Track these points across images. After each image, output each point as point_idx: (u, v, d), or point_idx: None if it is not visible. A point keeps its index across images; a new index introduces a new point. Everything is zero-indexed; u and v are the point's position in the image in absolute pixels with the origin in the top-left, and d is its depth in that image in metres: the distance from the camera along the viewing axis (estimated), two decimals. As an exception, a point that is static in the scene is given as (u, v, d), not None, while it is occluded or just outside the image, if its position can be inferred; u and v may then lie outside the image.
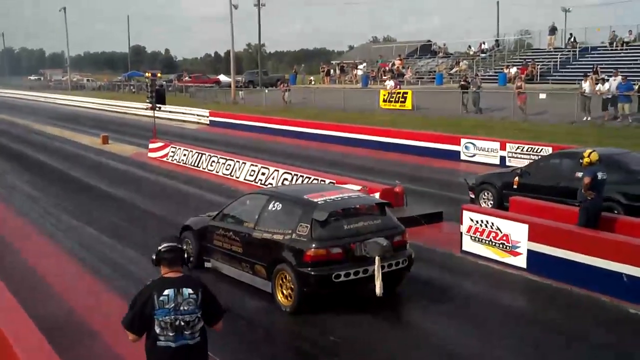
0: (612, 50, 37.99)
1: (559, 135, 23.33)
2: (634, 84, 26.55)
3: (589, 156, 10.66)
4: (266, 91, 47.89)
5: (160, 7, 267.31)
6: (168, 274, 4.96)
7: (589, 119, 26.47)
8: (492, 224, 10.98)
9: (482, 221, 11.15)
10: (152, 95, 25.16)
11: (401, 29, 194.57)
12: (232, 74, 52.43)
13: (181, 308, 4.83)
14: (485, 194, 14.68)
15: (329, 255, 8.56)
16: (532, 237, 10.34)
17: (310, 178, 16.32)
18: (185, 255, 5.16)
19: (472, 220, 11.33)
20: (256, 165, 18.99)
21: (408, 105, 34.28)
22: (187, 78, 66.16)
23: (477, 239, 11.23)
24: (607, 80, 27.20)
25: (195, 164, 21.81)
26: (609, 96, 26.28)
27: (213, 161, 21.03)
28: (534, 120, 27.74)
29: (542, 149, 19.32)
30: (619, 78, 26.35)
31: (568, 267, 9.71)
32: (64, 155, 26.47)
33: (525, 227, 10.48)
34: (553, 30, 43.04)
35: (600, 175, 10.63)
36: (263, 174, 18.35)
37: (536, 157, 17.60)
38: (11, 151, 28.04)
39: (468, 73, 39.28)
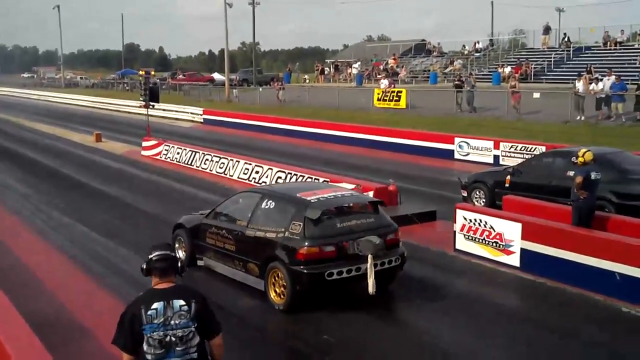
0: (605, 50, 38.10)
1: (552, 134, 23.38)
2: (628, 84, 26.64)
3: (583, 156, 10.65)
4: (260, 90, 47.84)
5: (154, 6, 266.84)
6: (158, 285, 4.52)
7: (582, 118, 26.54)
8: (486, 222, 10.98)
9: (475, 220, 11.15)
10: (145, 93, 25.07)
11: (396, 28, 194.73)
12: (226, 72, 52.36)
13: (171, 322, 4.37)
14: (478, 192, 14.70)
15: (322, 254, 8.55)
16: (525, 236, 10.35)
17: (304, 176, 16.30)
18: (179, 264, 4.69)
19: (465, 219, 11.33)
20: (250, 164, 18.95)
21: (402, 104, 34.29)
22: (181, 76, 66.04)
23: (470, 238, 11.23)
24: (601, 79, 27.28)
25: (189, 162, 21.76)
26: (603, 96, 26.35)
27: (207, 159, 20.98)
28: (527, 119, 27.79)
29: (535, 148, 19.35)
30: (613, 78, 26.43)
31: (561, 265, 9.72)
32: (56, 152, 26.38)
33: (519, 225, 10.48)
34: (547, 30, 43.14)
35: (593, 175, 10.63)
36: (257, 172, 18.32)
37: (529, 156, 17.62)
38: (3, 149, 27.90)
39: (462, 72, 39.35)
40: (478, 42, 47.32)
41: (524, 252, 10.35)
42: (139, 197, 16.98)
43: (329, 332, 8.15)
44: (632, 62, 34.39)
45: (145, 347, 4.37)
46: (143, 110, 26.85)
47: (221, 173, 19.84)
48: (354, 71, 47.30)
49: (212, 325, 4.57)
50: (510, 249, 10.55)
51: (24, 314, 6.76)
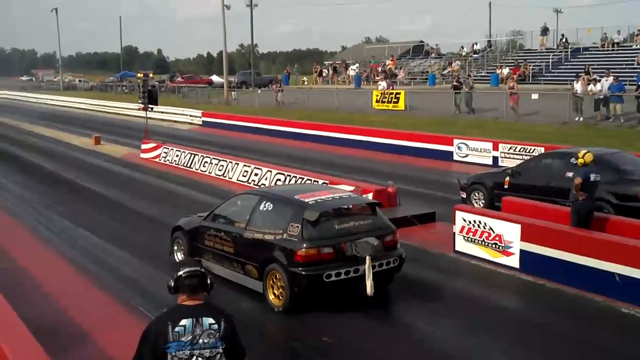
0: (603, 50, 38.15)
1: (551, 135, 23.40)
2: (626, 85, 26.66)
3: (583, 157, 10.65)
4: (259, 92, 47.82)
5: (152, 8, 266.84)
6: (186, 302, 4.26)
7: (581, 119, 26.55)
8: (485, 224, 10.99)
9: (474, 221, 11.15)
10: (144, 96, 25.06)
11: (394, 29, 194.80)
12: (224, 74, 52.38)
13: (200, 341, 4.11)
14: (477, 193, 14.71)
15: (320, 255, 8.58)
16: (524, 237, 10.35)
17: (303, 178, 16.29)
18: (208, 281, 4.40)
19: (464, 220, 11.34)
20: (249, 166, 18.95)
21: (401, 105, 34.31)
22: (179, 78, 66.01)
23: (470, 239, 11.23)
24: (599, 80, 27.30)
25: (188, 165, 21.75)
26: (601, 96, 26.36)
27: (206, 162, 20.98)
28: (526, 120, 27.81)
29: (534, 149, 19.35)
30: (611, 78, 26.45)
31: (560, 267, 9.72)
32: (55, 155, 26.37)
33: (518, 227, 10.49)
34: (545, 31, 43.22)
35: (593, 176, 10.63)
36: (256, 174, 18.32)
37: (528, 158, 17.64)
38: (2, 152, 27.87)
39: (460, 73, 39.35)
40: (476, 44, 47.37)
41: (523, 254, 10.36)
42: (138, 200, 16.98)
43: (328, 334, 8.14)
44: (630, 62, 34.45)
45: None
46: (142, 113, 26.85)
47: (220, 175, 19.83)
48: (352, 73, 47.33)
49: (238, 349, 4.38)
50: (510, 250, 10.56)
51: (23, 318, 6.75)
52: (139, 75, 27.19)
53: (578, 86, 27.16)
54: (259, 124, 33.65)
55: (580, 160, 10.68)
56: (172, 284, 4.32)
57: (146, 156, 24.40)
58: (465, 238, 11.31)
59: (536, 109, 28.58)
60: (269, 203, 9.48)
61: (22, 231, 13.93)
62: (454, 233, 11.54)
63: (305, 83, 53.90)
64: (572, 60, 38.32)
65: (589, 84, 27.37)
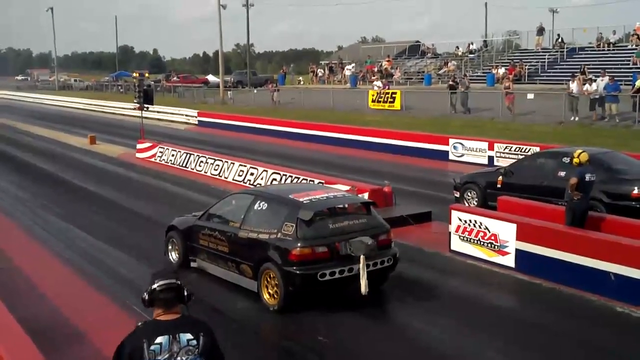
0: (599, 50, 38.22)
1: (546, 135, 23.45)
2: (621, 85, 26.72)
3: (578, 157, 10.67)
4: (255, 91, 47.81)
5: (148, 8, 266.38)
6: (162, 317, 4.00)
7: (576, 119, 26.61)
8: (481, 223, 10.99)
9: (470, 221, 11.16)
10: (140, 96, 25.01)
11: (390, 29, 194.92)
12: (220, 74, 52.30)
13: (178, 359, 3.89)
14: (470, 193, 14.75)
15: (315, 255, 8.59)
16: (520, 237, 10.36)
17: (299, 178, 16.28)
18: (186, 292, 4.11)
19: (460, 220, 11.34)
20: (245, 166, 18.93)
21: (397, 105, 34.32)
22: (175, 78, 65.93)
23: (465, 239, 11.24)
24: (595, 80, 27.36)
25: (184, 165, 21.72)
26: (597, 96, 26.42)
27: (201, 161, 20.96)
28: (522, 120, 27.85)
29: (530, 149, 19.38)
30: (607, 78, 26.49)
31: (556, 266, 9.73)
32: (51, 155, 26.30)
33: (514, 226, 10.49)
34: (541, 31, 43.25)
35: (588, 176, 10.65)
36: (252, 174, 18.30)
37: (522, 157, 17.67)
38: (-3, 152, 27.82)
39: (456, 73, 39.36)
40: (472, 43, 47.41)
41: (518, 253, 10.36)
42: (134, 200, 16.95)
43: (323, 333, 8.13)
44: (625, 62, 34.52)
45: None
46: (137, 113, 26.84)
47: (216, 175, 19.81)
48: (348, 73, 47.34)
49: None
50: (505, 249, 10.56)
51: (19, 318, 6.74)
52: (134, 74, 27.08)
53: (574, 86, 27.22)
54: (255, 124, 33.63)
55: (576, 160, 10.69)
56: (147, 297, 4.03)
57: (142, 156, 24.35)
58: (461, 237, 11.31)
59: (532, 108, 28.63)
60: (263, 202, 9.49)
61: (17, 231, 13.87)
62: (450, 232, 11.54)
63: (302, 83, 53.88)
64: (567, 60, 38.38)
65: (584, 84, 27.43)
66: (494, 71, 38.71)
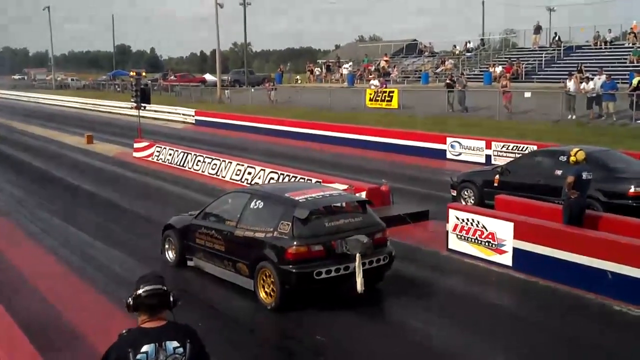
0: (596, 49, 38.26)
1: (544, 133, 23.45)
2: (618, 83, 26.74)
3: (575, 155, 10.67)
4: (252, 90, 47.80)
5: (145, 7, 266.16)
6: (147, 324, 3.89)
7: (573, 117, 26.63)
8: (478, 222, 10.99)
9: (468, 219, 11.15)
10: (137, 95, 24.96)
11: (387, 28, 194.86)
12: (217, 73, 52.25)
13: None
14: (467, 191, 14.75)
15: (310, 253, 8.60)
16: (517, 235, 10.35)
17: (296, 177, 16.26)
18: (172, 297, 3.99)
19: (458, 218, 11.34)
20: (242, 165, 18.90)
21: (394, 104, 34.32)
22: (172, 77, 65.91)
23: (463, 238, 11.23)
24: (592, 79, 27.38)
25: (181, 164, 21.69)
26: (594, 95, 26.44)
27: (199, 161, 20.93)
28: (519, 119, 27.86)
29: (527, 148, 19.39)
30: (604, 77, 26.53)
31: (553, 264, 9.73)
32: (48, 155, 26.24)
33: (511, 225, 10.49)
34: (538, 30, 43.29)
35: (585, 175, 10.65)
36: (249, 173, 18.28)
37: (518, 155, 17.67)
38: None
39: (454, 72, 39.42)
40: (469, 42, 47.45)
41: (516, 252, 10.36)
42: (131, 199, 16.90)
43: (321, 332, 8.12)
44: (622, 61, 34.57)
45: None
46: (134, 112, 26.72)
47: (213, 174, 19.78)
48: (345, 71, 47.31)
49: None
50: (503, 248, 10.56)
51: (15, 317, 6.72)
52: (131, 73, 27.04)
53: (571, 84, 27.24)
54: (252, 123, 33.61)
55: (573, 158, 10.70)
56: (131, 303, 3.91)
57: (139, 155, 24.32)
58: (459, 236, 11.31)
59: (529, 107, 28.64)
60: (259, 201, 9.49)
61: (13, 229, 13.84)
62: (447, 231, 11.53)
63: (299, 82, 53.88)
64: (564, 58, 38.41)
65: (581, 82, 27.46)
66: (491, 70, 38.73)
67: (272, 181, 16.94)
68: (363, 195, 12.90)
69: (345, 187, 13.65)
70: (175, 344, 3.84)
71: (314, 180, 15.08)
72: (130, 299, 3.92)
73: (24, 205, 16.48)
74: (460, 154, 22.31)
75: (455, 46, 48.33)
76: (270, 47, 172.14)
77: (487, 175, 14.66)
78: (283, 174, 16.89)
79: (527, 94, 29.94)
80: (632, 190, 12.15)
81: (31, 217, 15.14)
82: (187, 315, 4.67)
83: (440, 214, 12.64)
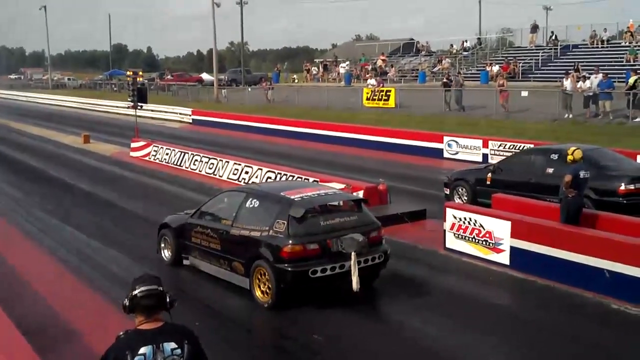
0: (592, 48, 38.30)
1: (540, 132, 23.48)
2: (615, 82, 26.76)
3: (572, 154, 10.67)
4: (249, 90, 47.76)
5: (142, 6, 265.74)
6: (144, 325, 3.86)
7: (570, 116, 26.64)
8: (475, 221, 10.98)
9: (465, 218, 11.15)
10: (133, 94, 24.93)
11: (384, 27, 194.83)
12: (214, 72, 52.17)
13: None
14: (460, 190, 14.78)
15: (306, 252, 8.60)
16: (514, 234, 10.35)
17: (293, 176, 16.25)
18: (168, 298, 3.95)
19: (455, 217, 11.33)
20: (239, 164, 18.89)
21: (391, 103, 34.30)
22: (169, 76, 65.80)
23: (460, 236, 11.23)
24: (588, 77, 27.38)
25: (178, 163, 21.66)
26: (590, 94, 26.45)
27: (196, 160, 20.90)
28: (516, 117, 27.86)
29: (524, 146, 19.40)
30: (600, 75, 26.53)
31: (551, 263, 9.72)
32: (45, 154, 26.19)
33: (508, 224, 10.49)
34: (534, 29, 43.33)
35: (582, 173, 10.65)
36: (246, 172, 18.26)
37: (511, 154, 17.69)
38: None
39: (450, 71, 39.42)
40: (466, 41, 47.44)
41: (513, 250, 10.36)
42: (128, 198, 16.88)
43: (316, 330, 8.11)
44: (619, 59, 34.60)
45: None
46: (131, 111, 26.72)
47: (210, 174, 19.76)
48: (342, 70, 47.30)
49: None
50: (500, 247, 10.56)
51: (12, 317, 6.70)
52: (128, 73, 27.00)
53: (567, 83, 27.24)
54: (249, 122, 33.62)
55: (570, 157, 10.70)
56: (127, 304, 3.88)
57: (136, 154, 24.28)
58: (456, 235, 11.30)
59: (526, 106, 28.64)
60: (255, 200, 9.49)
61: (10, 229, 13.81)
62: (445, 230, 11.53)
63: (296, 81, 53.84)
64: (561, 57, 38.45)
65: (578, 81, 27.45)
66: (487, 69, 38.76)
67: (269, 180, 16.92)
68: (360, 194, 12.90)
69: (343, 186, 13.64)
70: (172, 345, 3.82)
71: (311, 179, 15.07)
72: (126, 300, 3.89)
73: (21, 205, 16.45)
74: (457, 152, 22.34)
75: (452, 45, 48.31)
76: (267, 47, 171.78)
77: (480, 173, 14.69)
78: (280, 173, 16.87)
79: (524, 93, 29.93)
80: (622, 187, 12.19)
81: (28, 216, 15.11)
82: (183, 315, 4.66)
83: (438, 213, 12.64)
